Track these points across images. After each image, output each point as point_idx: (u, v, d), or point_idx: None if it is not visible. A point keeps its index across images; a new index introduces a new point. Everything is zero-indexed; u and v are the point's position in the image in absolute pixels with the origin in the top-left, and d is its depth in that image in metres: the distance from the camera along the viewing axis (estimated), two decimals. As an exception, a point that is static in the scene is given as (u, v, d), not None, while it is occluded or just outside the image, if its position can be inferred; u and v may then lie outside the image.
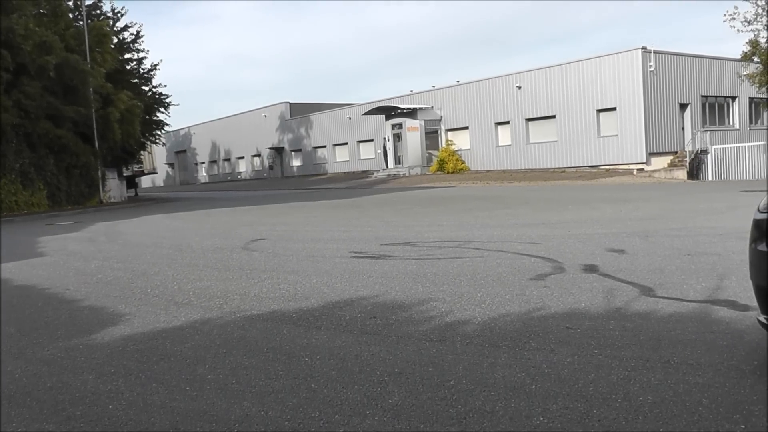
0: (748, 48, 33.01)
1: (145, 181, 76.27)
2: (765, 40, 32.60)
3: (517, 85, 44.69)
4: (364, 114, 54.01)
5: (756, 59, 33.13)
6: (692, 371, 3.90)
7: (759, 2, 32.30)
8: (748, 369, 3.91)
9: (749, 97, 44.49)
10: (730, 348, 4.34)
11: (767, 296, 3.82)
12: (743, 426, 3.14)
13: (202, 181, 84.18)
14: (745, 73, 34.51)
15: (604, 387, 3.69)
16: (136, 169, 53.36)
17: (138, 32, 45.36)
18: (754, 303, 5.46)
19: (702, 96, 42.72)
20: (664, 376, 3.84)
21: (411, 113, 49.63)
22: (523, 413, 3.37)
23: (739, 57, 34.59)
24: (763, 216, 3.98)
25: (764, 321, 3.76)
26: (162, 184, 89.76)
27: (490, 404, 3.50)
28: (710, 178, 35.90)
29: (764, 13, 32.34)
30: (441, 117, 50.12)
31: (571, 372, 3.96)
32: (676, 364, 4.03)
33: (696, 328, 4.85)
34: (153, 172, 62.14)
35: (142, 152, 50.91)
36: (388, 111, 51.04)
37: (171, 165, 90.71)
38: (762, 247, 3.80)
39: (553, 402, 3.50)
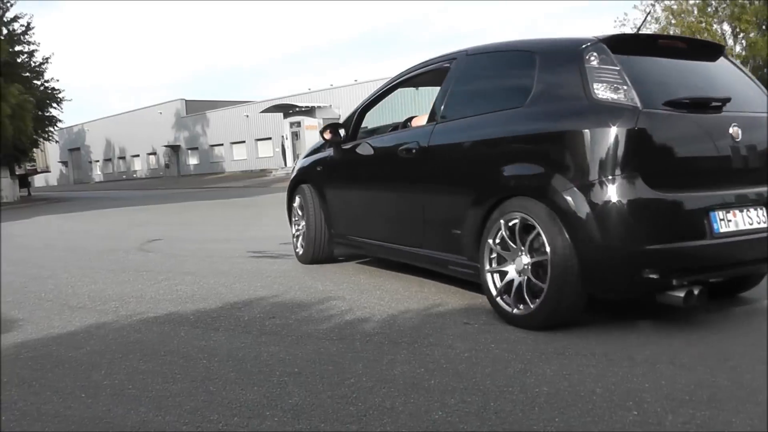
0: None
1: (38, 180, 74.15)
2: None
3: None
4: (262, 112, 53.72)
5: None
6: (586, 361, 4.02)
7: (646, 10, 33.51)
8: (640, 357, 4.04)
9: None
10: (623, 337, 4.48)
11: None
12: (635, 412, 3.25)
13: (97, 179, 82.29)
14: None
15: (501, 380, 3.77)
16: (28, 168, 51.77)
17: (29, 23, 43.82)
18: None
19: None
20: (559, 367, 3.94)
21: (309, 111, 49.60)
22: (422, 409, 3.41)
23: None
24: None
25: None
26: (56, 183, 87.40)
27: (390, 401, 3.53)
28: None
29: (651, 20, 33.53)
30: (339, 116, 50.17)
31: (469, 366, 4.03)
32: (570, 355, 4.15)
33: (589, 318, 4.98)
34: (46, 170, 60.39)
35: (34, 150, 49.37)
36: (286, 109, 50.91)
37: (65, 163, 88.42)
38: None
39: (450, 396, 3.55)
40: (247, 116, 58.87)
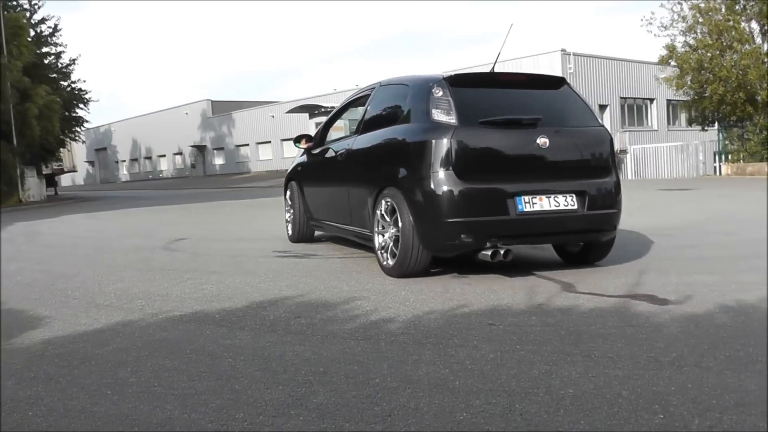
0: (665, 52, 33.89)
1: (64, 180, 74.77)
2: (681, 44, 33.53)
3: (441, 83, 44.89)
4: (288, 112, 53.87)
5: (672, 63, 34.02)
6: (612, 364, 3.99)
7: (674, 8, 33.25)
8: (666, 360, 4.01)
9: (667, 99, 45.60)
10: (649, 341, 4.45)
11: None
12: (662, 416, 3.22)
13: (123, 179, 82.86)
14: (662, 76, 35.41)
15: (526, 382, 3.75)
16: (55, 167, 52.15)
17: (56, 25, 44.27)
18: (673, 297, 5.65)
19: (621, 98, 43.68)
20: (584, 369, 3.91)
21: (335, 111, 49.46)
22: (447, 409, 3.40)
23: (656, 60, 35.46)
24: None
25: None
26: (82, 183, 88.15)
27: (415, 401, 3.52)
28: (630, 177, 36.70)
29: (680, 19, 33.28)
30: (364, 115, 50.12)
31: (494, 368, 4.01)
32: (596, 358, 4.12)
33: (616, 322, 4.96)
34: (73, 170, 60.82)
35: (61, 150, 49.78)
36: (312, 109, 50.86)
37: (91, 163, 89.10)
38: None
39: (476, 398, 3.54)
40: (273, 117, 59.05)
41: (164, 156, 77.16)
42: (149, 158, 79.57)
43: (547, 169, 6.81)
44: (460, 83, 6.98)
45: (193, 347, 4.79)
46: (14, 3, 41.49)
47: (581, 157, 7.07)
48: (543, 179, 6.78)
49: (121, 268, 8.90)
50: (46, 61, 43.80)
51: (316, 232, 10.70)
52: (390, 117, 7.73)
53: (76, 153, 62.14)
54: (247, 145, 62.85)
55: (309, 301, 6.16)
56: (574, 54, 39.91)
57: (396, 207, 6.94)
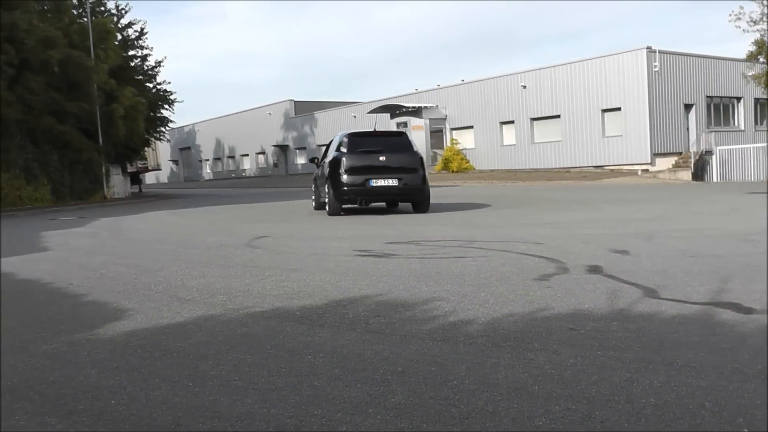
0: (754, 48, 32.97)
1: (149, 178, 76.47)
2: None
3: (522, 84, 44.62)
4: (369, 112, 54.05)
5: (762, 59, 33.10)
6: (695, 374, 3.89)
7: (764, 2, 32.35)
8: (751, 372, 3.89)
9: (755, 98, 44.32)
10: (734, 351, 4.32)
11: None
12: (746, 430, 3.12)
13: (207, 178, 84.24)
14: (750, 74, 34.47)
15: (607, 389, 3.68)
16: (140, 166, 53.47)
17: (142, 29, 45.58)
18: (758, 306, 5.48)
19: (707, 96, 42.58)
20: (666, 378, 3.83)
21: (416, 112, 49.64)
22: (525, 414, 3.36)
23: (744, 57, 34.55)
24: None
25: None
26: (166, 181, 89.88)
27: (493, 405, 3.49)
28: (715, 180, 35.88)
29: (751, 22, 32.41)
30: (446, 116, 50.10)
31: (574, 373, 3.95)
32: (679, 367, 4.02)
33: (699, 330, 4.83)
34: (157, 168, 62.25)
35: (146, 149, 51.04)
36: (393, 110, 51.09)
37: (175, 162, 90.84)
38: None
39: (555, 403, 3.49)
40: (355, 116, 59.31)
41: (247, 155, 78.17)
42: (232, 157, 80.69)
43: (384, 169, 17.04)
44: (355, 135, 18.22)
45: (273, 343, 4.85)
46: (102, 8, 42.63)
47: (400, 165, 17.09)
48: (382, 173, 17.02)
49: (204, 264, 9.05)
50: (132, 64, 44.93)
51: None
52: (340, 147, 17.79)
53: (161, 152, 63.49)
54: (329, 144, 63.36)
55: (388, 300, 6.17)
56: (660, 51, 39.12)
57: (329, 185, 17.27)
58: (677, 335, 4.70)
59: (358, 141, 17.58)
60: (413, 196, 17.59)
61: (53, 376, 4.30)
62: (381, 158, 16.90)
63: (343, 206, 17.51)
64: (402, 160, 17.09)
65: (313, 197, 20.41)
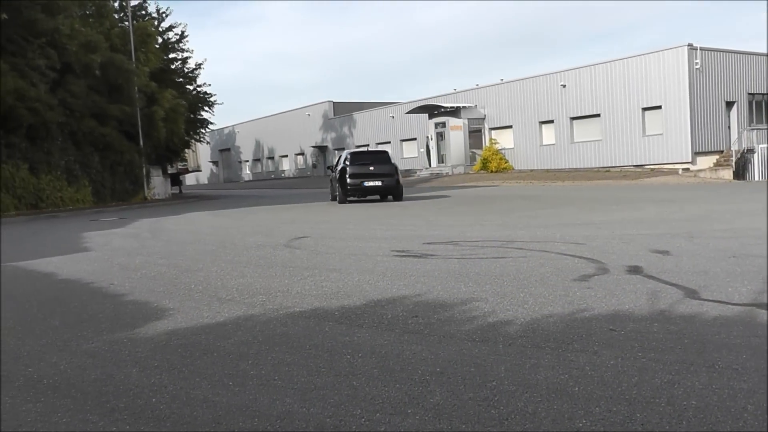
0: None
1: (189, 179, 77.06)
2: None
3: (562, 83, 44.26)
4: (407, 113, 54.01)
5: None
6: (737, 376, 3.84)
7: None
8: (795, 374, 3.84)
9: (798, 95, 43.53)
10: (778, 353, 4.27)
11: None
12: (790, 432, 3.08)
13: (246, 179, 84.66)
14: None
15: (648, 391, 3.65)
16: (180, 167, 53.94)
17: (182, 32, 45.99)
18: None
19: (749, 94, 41.92)
20: (708, 380, 3.78)
21: (454, 112, 49.47)
22: (565, 415, 3.35)
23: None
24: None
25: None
26: (206, 182, 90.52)
27: (533, 406, 3.48)
28: (757, 178, 35.34)
29: None
30: (485, 116, 49.84)
31: (615, 375, 3.92)
32: (720, 369, 3.97)
33: (741, 332, 4.77)
34: (197, 169, 62.74)
35: (186, 150, 51.45)
36: (431, 110, 50.95)
37: (215, 163, 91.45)
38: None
39: (596, 405, 3.47)
40: (393, 117, 59.25)
41: (286, 156, 78.40)
42: (271, 158, 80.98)
43: (373, 175, 26.56)
44: (355, 153, 28.98)
45: (312, 343, 4.87)
46: (143, 12, 43.11)
47: (382, 172, 26.68)
48: (371, 177, 26.50)
49: (243, 264, 9.11)
50: (172, 67, 45.34)
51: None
52: (342, 161, 27.53)
53: (201, 153, 63.96)
54: (368, 145, 63.10)
55: (427, 300, 6.17)
56: (701, 49, 38.61)
57: (339, 185, 26.83)
58: (719, 337, 4.65)
59: (356, 157, 27.77)
60: (391, 192, 26.94)
61: (95, 374, 4.36)
62: (371, 168, 26.69)
63: (348, 198, 26.80)
64: (384, 169, 26.84)
65: (330, 191, 30.47)
